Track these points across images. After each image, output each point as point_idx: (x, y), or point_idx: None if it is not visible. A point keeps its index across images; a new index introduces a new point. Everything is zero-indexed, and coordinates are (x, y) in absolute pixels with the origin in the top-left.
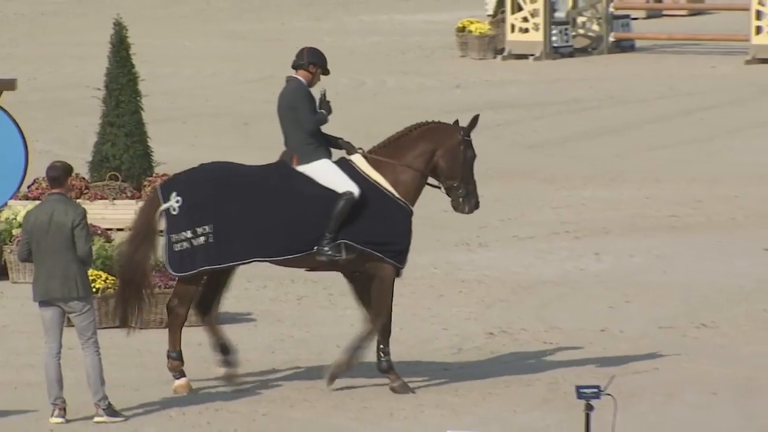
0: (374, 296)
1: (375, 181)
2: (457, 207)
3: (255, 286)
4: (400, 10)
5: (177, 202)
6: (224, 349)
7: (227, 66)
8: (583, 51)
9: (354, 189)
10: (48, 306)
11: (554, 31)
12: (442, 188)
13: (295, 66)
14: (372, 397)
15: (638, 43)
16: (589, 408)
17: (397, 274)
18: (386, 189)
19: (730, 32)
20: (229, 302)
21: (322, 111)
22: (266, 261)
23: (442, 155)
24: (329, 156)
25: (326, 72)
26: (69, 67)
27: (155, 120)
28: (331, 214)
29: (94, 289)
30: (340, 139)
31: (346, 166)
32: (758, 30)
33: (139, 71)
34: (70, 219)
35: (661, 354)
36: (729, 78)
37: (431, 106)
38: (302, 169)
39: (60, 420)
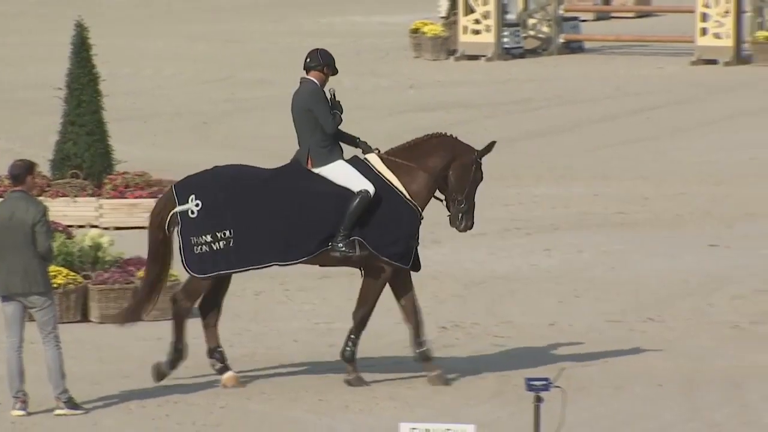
0: (364, 286)
1: (389, 180)
2: (454, 221)
3: None
4: (355, 13)
5: (196, 205)
6: (218, 356)
7: (187, 66)
8: (534, 52)
9: (369, 188)
10: (9, 301)
11: (505, 33)
12: (444, 200)
13: (308, 67)
14: (327, 390)
15: (587, 45)
16: (539, 400)
17: (414, 269)
18: (399, 189)
19: (676, 34)
20: None
21: (336, 112)
22: (286, 265)
23: (455, 168)
24: (342, 157)
25: (336, 72)
26: (31, 67)
27: (116, 119)
28: (346, 211)
29: (54, 285)
30: (357, 138)
31: (360, 164)
32: (703, 32)
33: (100, 71)
34: (31, 216)
35: (609, 347)
36: (675, 78)
37: (386, 106)
38: (317, 171)
39: (21, 413)
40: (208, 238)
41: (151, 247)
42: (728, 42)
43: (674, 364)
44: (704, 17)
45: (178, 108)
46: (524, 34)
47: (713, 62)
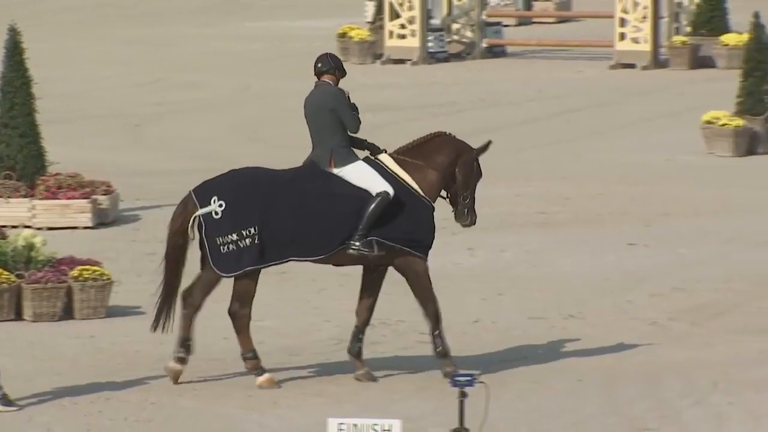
0: (417, 290)
1: (403, 179)
2: (460, 217)
3: (144, 280)
4: (283, 17)
5: (220, 206)
6: (186, 347)
7: (119, 70)
8: (458, 56)
9: (389, 189)
10: None
11: (430, 38)
12: (448, 197)
13: (321, 72)
14: (255, 386)
15: (509, 49)
16: (463, 395)
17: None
18: (413, 187)
19: (595, 39)
20: (120, 296)
21: (355, 113)
22: (302, 260)
23: (460, 165)
24: (358, 158)
25: (345, 74)
26: None
27: (49, 121)
28: (364, 211)
29: None
30: (365, 140)
31: (375, 165)
32: (622, 36)
33: (33, 75)
34: None
35: (531, 344)
36: (594, 82)
37: None
38: (338, 171)
39: None
40: (234, 237)
41: (170, 252)
42: (646, 47)
43: (594, 359)
44: (623, 22)
45: (110, 110)
46: (448, 39)
47: (631, 66)
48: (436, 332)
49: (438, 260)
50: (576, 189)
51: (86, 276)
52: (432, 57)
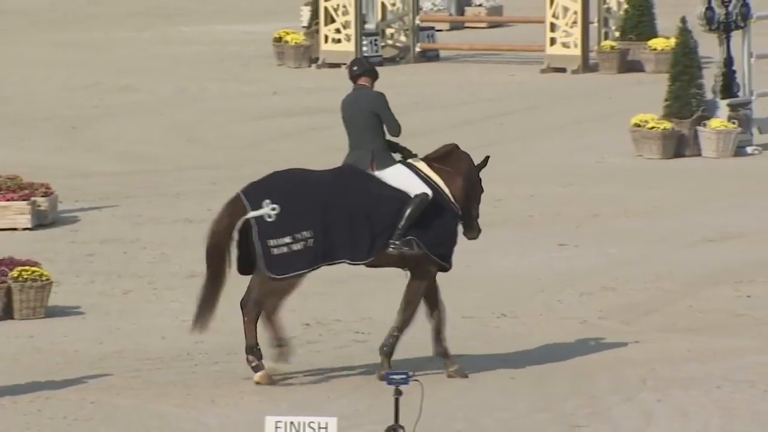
0: (413, 287)
1: (436, 183)
2: (470, 230)
3: (83, 280)
4: (220, 22)
5: (273, 209)
6: (255, 353)
7: (55, 73)
8: (392, 60)
9: (428, 191)
10: None
11: (365, 42)
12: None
13: (357, 75)
14: (194, 385)
15: (442, 53)
16: (398, 393)
17: (445, 269)
18: (446, 193)
19: (526, 43)
20: (59, 296)
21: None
22: (350, 263)
23: (475, 177)
24: (396, 161)
25: (378, 76)
26: None
27: None
28: (404, 212)
29: None
30: (398, 144)
31: (413, 168)
32: (552, 41)
33: None
34: None
35: (465, 342)
36: (526, 85)
37: (250, 111)
38: (379, 173)
39: None
40: (287, 240)
41: (212, 252)
42: (576, 51)
43: (526, 357)
44: (553, 27)
45: (47, 113)
46: (382, 44)
47: (562, 70)
48: (396, 333)
49: None
50: (508, 190)
51: (25, 276)
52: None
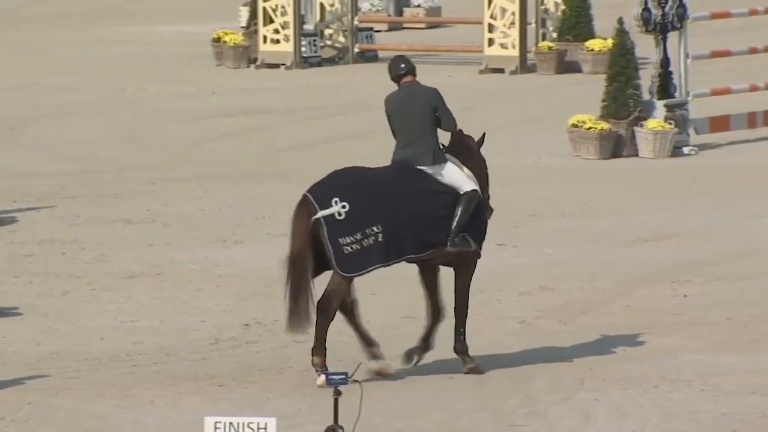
0: (461, 282)
1: (473, 179)
2: (486, 210)
3: (22, 281)
4: (158, 22)
5: (343, 207)
6: (369, 342)
7: None
8: (331, 61)
9: (477, 187)
10: None
11: (303, 42)
12: None
13: (403, 73)
14: (133, 386)
15: (381, 54)
16: (338, 393)
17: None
18: (478, 187)
19: (465, 44)
20: None
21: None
22: (413, 258)
23: (480, 155)
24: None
25: (416, 75)
26: None
27: None
28: (457, 209)
29: None
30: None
31: (457, 164)
32: (491, 42)
33: None
34: None
35: (404, 342)
36: (464, 86)
37: (189, 112)
38: (432, 169)
39: None
40: (358, 236)
41: (296, 256)
42: (514, 52)
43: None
44: (491, 28)
45: None
46: (321, 44)
47: (500, 71)
48: (462, 330)
49: None
50: None
51: None
52: (305, 61)
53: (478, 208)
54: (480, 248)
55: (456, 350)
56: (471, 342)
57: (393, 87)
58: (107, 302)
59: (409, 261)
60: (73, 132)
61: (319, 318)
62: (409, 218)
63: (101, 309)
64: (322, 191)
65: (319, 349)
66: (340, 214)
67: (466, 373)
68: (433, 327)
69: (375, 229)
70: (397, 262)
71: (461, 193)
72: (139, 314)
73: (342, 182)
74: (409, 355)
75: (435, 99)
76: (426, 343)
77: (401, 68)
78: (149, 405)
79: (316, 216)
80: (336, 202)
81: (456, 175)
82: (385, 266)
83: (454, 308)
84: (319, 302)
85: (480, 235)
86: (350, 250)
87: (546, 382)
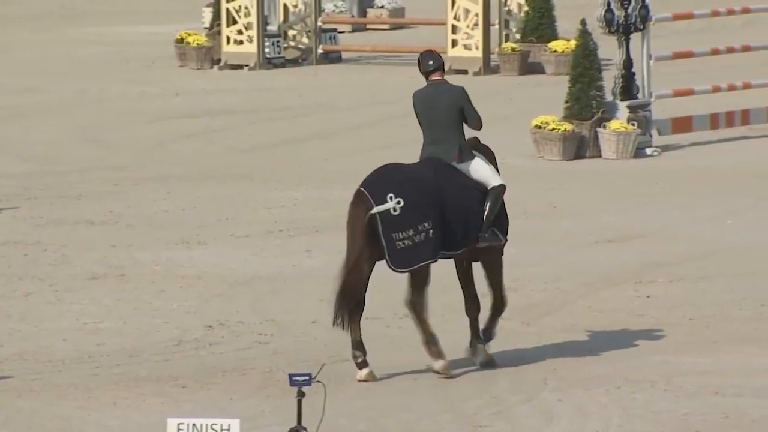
0: (494, 278)
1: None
2: None
3: None
4: (121, 23)
5: (398, 203)
6: (431, 340)
7: None
8: (294, 62)
9: (503, 182)
10: None
11: (267, 44)
12: None
13: (431, 70)
14: (96, 388)
15: (345, 55)
16: (301, 395)
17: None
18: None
19: (428, 45)
20: None
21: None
22: (454, 254)
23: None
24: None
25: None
26: None
27: None
28: (486, 204)
29: None
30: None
31: (483, 159)
32: (454, 43)
33: None
34: None
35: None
36: None
37: (152, 113)
38: (461, 166)
39: None
40: (411, 232)
41: (356, 250)
42: (477, 53)
43: (429, 358)
44: (454, 29)
45: None
46: (285, 45)
47: (463, 72)
48: (496, 319)
49: (276, 262)
50: None
51: None
52: (269, 62)
53: (503, 203)
54: (506, 240)
55: (480, 338)
56: None
57: (354, 87)
58: (70, 303)
59: (443, 258)
60: (36, 133)
61: (415, 317)
62: (453, 215)
63: (64, 310)
64: (376, 187)
65: (431, 338)
66: (395, 210)
67: (480, 362)
68: (475, 320)
69: (426, 225)
70: (447, 257)
71: (489, 188)
72: (101, 315)
73: (395, 178)
74: (473, 351)
75: (461, 98)
76: (483, 335)
77: (429, 65)
78: (112, 406)
79: (372, 211)
80: (391, 198)
81: (483, 171)
82: (431, 263)
83: (493, 303)
84: (408, 301)
85: (506, 229)
86: (402, 245)
87: (509, 382)
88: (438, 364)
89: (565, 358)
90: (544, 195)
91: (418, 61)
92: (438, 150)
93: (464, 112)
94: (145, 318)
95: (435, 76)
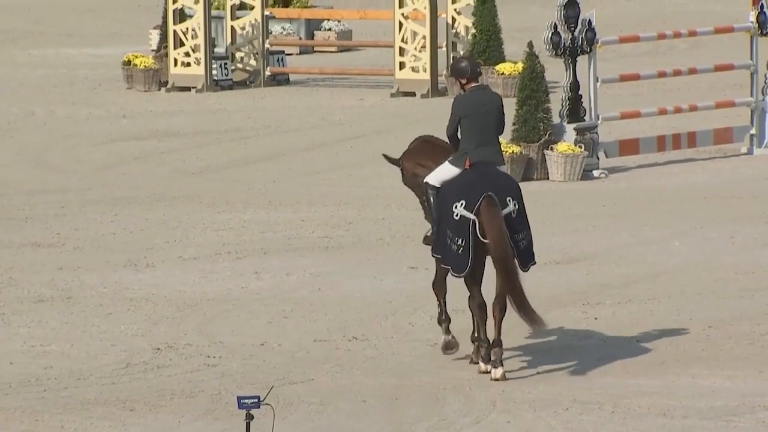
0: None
1: None
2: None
3: None
4: (68, 45)
5: (515, 205)
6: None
7: None
8: (242, 84)
9: None
10: None
11: (214, 66)
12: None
13: (476, 75)
14: (43, 410)
15: (293, 77)
16: (250, 417)
17: None
18: None
19: (376, 67)
20: None
21: None
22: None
23: None
24: None
25: None
26: None
27: None
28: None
29: None
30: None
31: None
32: (402, 65)
33: None
34: None
35: (316, 365)
36: (376, 109)
37: (99, 135)
38: (502, 168)
39: None
40: (524, 233)
41: (502, 249)
42: (425, 75)
43: (377, 380)
44: (402, 52)
45: None
46: (232, 67)
47: (411, 94)
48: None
49: (225, 284)
50: (359, 213)
51: None
52: (217, 84)
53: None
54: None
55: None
56: (384, 364)
57: (302, 109)
58: (17, 326)
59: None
60: None
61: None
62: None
63: (11, 333)
64: (499, 191)
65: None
66: (514, 213)
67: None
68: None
69: (526, 231)
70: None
71: None
72: (49, 338)
73: (505, 182)
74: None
75: (502, 105)
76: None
77: (472, 70)
78: (59, 430)
79: (503, 213)
80: (509, 201)
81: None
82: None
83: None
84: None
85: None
86: (522, 246)
87: (459, 404)
88: (497, 372)
89: (514, 380)
90: None
91: (463, 67)
92: (488, 152)
93: (502, 118)
94: (92, 341)
95: (476, 83)
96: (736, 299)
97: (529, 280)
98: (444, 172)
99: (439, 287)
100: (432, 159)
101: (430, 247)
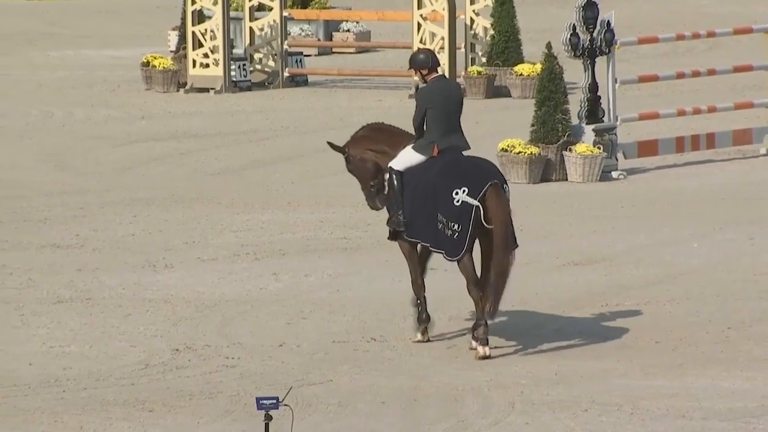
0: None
1: None
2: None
3: None
4: (87, 47)
5: (508, 193)
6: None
7: None
8: (261, 85)
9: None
10: None
11: (233, 67)
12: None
13: (436, 66)
14: (63, 411)
15: (311, 78)
16: (268, 418)
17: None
18: None
19: (394, 68)
20: None
21: None
22: None
23: None
24: None
25: None
26: None
27: None
28: None
29: None
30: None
31: None
32: None
33: None
34: None
35: (335, 366)
36: (394, 110)
37: (118, 136)
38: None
39: None
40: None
41: (508, 233)
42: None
43: (396, 381)
44: None
45: None
46: (251, 68)
47: None
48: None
49: (243, 285)
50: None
51: None
52: (235, 86)
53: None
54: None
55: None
56: (403, 366)
57: (320, 110)
58: (36, 327)
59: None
60: (2, 157)
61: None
62: None
63: (30, 334)
64: (500, 178)
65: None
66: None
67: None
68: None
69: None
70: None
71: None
72: (68, 339)
73: (496, 169)
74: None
75: (461, 91)
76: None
77: (432, 60)
78: (78, 431)
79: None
80: (506, 188)
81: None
82: None
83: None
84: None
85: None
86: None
87: (477, 405)
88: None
89: (533, 382)
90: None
91: (423, 59)
92: (455, 138)
93: (462, 103)
94: (111, 342)
95: (438, 72)
96: (755, 300)
97: (546, 281)
98: (409, 158)
99: (419, 286)
100: (388, 144)
101: (389, 230)
